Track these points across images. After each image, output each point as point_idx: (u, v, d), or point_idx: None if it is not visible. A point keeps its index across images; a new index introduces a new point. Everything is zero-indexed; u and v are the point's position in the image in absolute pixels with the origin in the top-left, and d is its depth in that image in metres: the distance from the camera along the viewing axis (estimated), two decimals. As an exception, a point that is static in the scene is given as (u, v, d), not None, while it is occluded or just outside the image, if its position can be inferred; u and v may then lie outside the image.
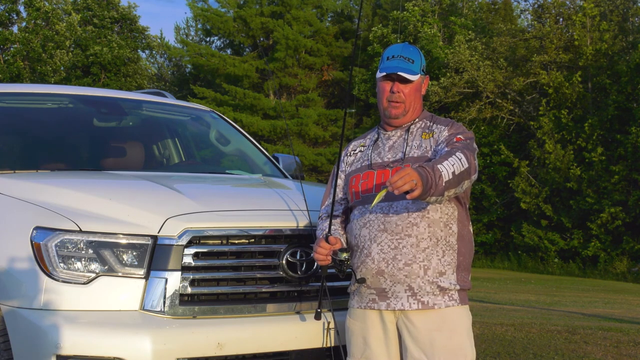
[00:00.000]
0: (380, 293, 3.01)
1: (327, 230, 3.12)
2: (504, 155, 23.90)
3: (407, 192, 2.70)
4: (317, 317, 3.17)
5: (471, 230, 3.17)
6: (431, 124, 3.15)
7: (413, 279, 2.96)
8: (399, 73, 3.07)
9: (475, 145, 3.06)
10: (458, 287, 3.01)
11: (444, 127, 3.10)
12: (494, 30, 26.74)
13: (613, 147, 22.37)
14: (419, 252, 2.97)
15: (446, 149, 2.98)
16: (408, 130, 3.14)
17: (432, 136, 3.09)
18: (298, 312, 3.30)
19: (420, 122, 3.17)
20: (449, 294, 2.99)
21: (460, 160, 2.86)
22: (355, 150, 3.27)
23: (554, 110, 23.22)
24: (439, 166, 2.79)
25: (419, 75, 3.13)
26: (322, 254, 3.05)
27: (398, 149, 3.12)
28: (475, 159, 2.98)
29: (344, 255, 2.98)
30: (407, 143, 3.10)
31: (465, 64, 24.51)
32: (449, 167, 2.82)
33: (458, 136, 3.03)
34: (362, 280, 3.01)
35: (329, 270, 3.19)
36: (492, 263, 23.69)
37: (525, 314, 9.34)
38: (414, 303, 2.97)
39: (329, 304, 3.24)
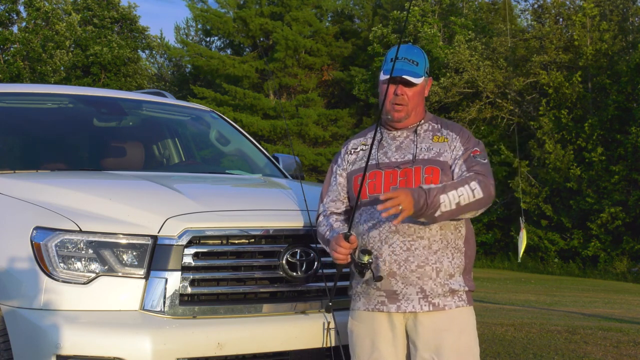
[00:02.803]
0: (390, 295, 2.99)
1: (347, 229, 3.01)
2: (504, 155, 23.90)
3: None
4: (328, 309, 3.15)
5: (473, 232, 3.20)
6: (439, 126, 3.14)
7: (425, 280, 2.96)
8: (403, 76, 3.04)
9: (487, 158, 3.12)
10: (466, 288, 3.04)
11: (455, 136, 3.10)
12: (494, 30, 26.74)
13: (613, 147, 22.37)
14: (431, 254, 2.97)
15: (465, 172, 3.00)
16: (415, 131, 3.12)
17: (446, 142, 3.08)
18: (298, 312, 3.29)
19: (427, 124, 3.15)
20: (459, 295, 3.01)
21: (473, 191, 2.92)
22: (356, 148, 3.22)
23: (554, 110, 23.23)
24: (442, 196, 2.87)
25: (423, 77, 3.12)
26: (342, 253, 2.97)
27: (406, 150, 3.08)
28: (491, 174, 3.06)
29: (367, 259, 2.90)
30: (416, 145, 3.08)
31: (465, 64, 24.51)
32: (454, 198, 2.89)
33: (474, 149, 3.06)
34: (379, 278, 2.95)
35: (332, 270, 3.19)
36: (492, 263, 23.70)
37: (525, 314, 9.34)
38: (425, 305, 2.97)
39: (330, 303, 3.24)
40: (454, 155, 3.06)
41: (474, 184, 2.93)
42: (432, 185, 2.91)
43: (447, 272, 2.98)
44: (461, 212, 2.93)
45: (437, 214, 2.87)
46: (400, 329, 3.03)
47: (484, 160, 3.06)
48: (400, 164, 3.06)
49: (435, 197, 2.85)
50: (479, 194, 2.93)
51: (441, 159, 3.04)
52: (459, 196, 2.89)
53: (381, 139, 3.15)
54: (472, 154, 3.04)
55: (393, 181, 3.02)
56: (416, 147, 3.07)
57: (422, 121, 3.15)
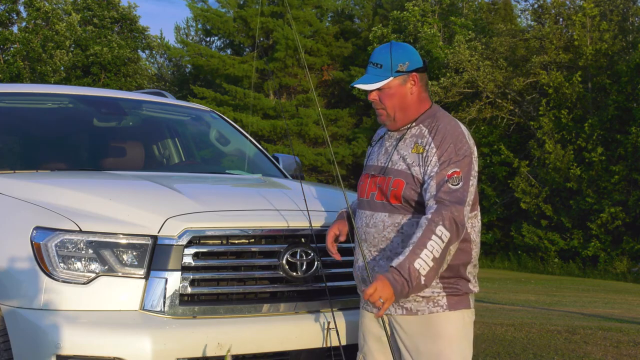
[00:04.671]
0: None
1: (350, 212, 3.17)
2: (504, 155, 23.91)
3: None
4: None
5: (472, 237, 2.99)
6: (427, 132, 2.96)
7: None
8: (354, 86, 3.03)
9: (472, 169, 2.89)
10: (444, 293, 2.94)
11: (434, 149, 2.90)
12: (494, 30, 26.74)
13: (613, 147, 22.36)
14: None
15: (432, 201, 2.82)
16: (402, 137, 3.02)
17: (422, 153, 2.92)
18: (298, 312, 3.29)
19: (417, 128, 3.00)
20: (434, 301, 2.93)
21: (441, 238, 2.75)
22: (374, 142, 3.19)
23: (554, 110, 23.22)
24: (416, 263, 2.72)
25: (390, 78, 2.97)
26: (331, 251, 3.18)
27: (389, 155, 3.03)
28: (466, 198, 2.83)
29: None
30: (396, 151, 3.00)
31: (465, 64, 24.51)
32: (428, 256, 2.73)
33: (451, 171, 2.85)
34: None
35: (332, 270, 3.30)
36: (492, 263, 23.69)
37: (525, 314, 9.34)
38: (398, 309, 2.97)
39: (330, 303, 3.24)
40: (428, 170, 2.89)
41: (439, 229, 2.75)
42: (401, 258, 2.75)
43: None
44: (442, 261, 2.77)
45: (422, 281, 2.73)
46: (386, 327, 3.04)
47: (456, 185, 2.83)
48: (380, 170, 3.04)
49: (410, 268, 2.72)
50: (446, 236, 2.75)
51: (411, 171, 2.93)
52: (432, 251, 2.73)
53: (384, 135, 3.14)
54: (446, 177, 2.84)
55: (373, 187, 3.03)
56: (394, 154, 3.00)
57: (414, 123, 3.01)
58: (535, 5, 25.93)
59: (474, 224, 3.01)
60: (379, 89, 3.00)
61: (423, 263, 2.73)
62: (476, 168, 2.94)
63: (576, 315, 9.64)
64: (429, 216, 2.80)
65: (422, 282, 2.75)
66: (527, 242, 22.61)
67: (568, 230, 22.38)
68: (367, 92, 3.03)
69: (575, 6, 25.01)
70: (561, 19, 25.29)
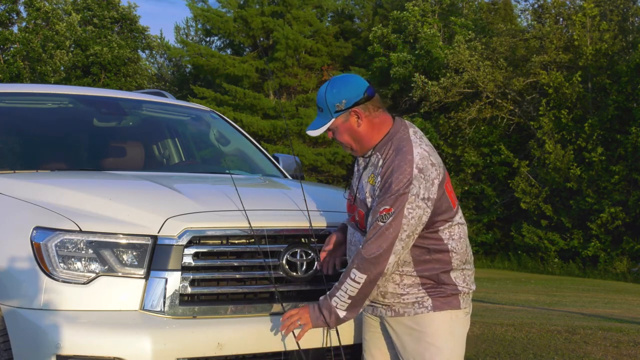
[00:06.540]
0: None
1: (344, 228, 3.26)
2: (504, 155, 23.91)
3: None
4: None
5: (451, 246, 3.00)
6: (382, 162, 2.96)
7: (376, 298, 3.05)
8: (307, 133, 3.11)
9: (408, 203, 2.83)
10: (428, 296, 2.99)
11: (379, 181, 2.92)
12: (494, 30, 26.75)
13: (613, 147, 22.38)
14: None
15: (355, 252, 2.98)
16: (366, 164, 3.06)
17: (374, 184, 2.98)
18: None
19: (375, 156, 3.01)
20: (419, 302, 3.00)
21: (354, 279, 2.90)
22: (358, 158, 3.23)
23: (554, 110, 23.23)
24: (333, 299, 2.95)
25: (332, 120, 2.99)
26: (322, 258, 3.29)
27: (357, 181, 3.11)
28: (395, 234, 2.84)
29: None
30: (361, 178, 3.07)
31: (465, 64, 24.52)
32: (343, 295, 2.94)
33: (382, 208, 2.87)
34: None
35: (331, 273, 3.31)
36: (492, 263, 23.70)
37: (525, 314, 9.34)
38: (388, 311, 3.07)
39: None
40: (374, 203, 2.95)
41: (353, 272, 2.91)
42: (328, 292, 3.01)
43: (396, 293, 3.00)
44: (365, 296, 2.93)
45: (342, 315, 2.95)
46: (381, 327, 3.15)
47: (384, 222, 2.85)
48: (353, 193, 3.14)
49: (328, 303, 2.96)
50: (360, 278, 2.89)
51: (366, 203, 3.00)
52: (346, 291, 2.92)
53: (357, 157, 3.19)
54: (378, 213, 2.88)
55: (350, 210, 3.17)
56: (359, 182, 3.08)
57: (372, 152, 3.03)
58: (535, 5, 25.96)
59: (452, 233, 3.00)
60: (329, 129, 3.05)
61: (339, 300, 2.95)
62: (425, 193, 2.85)
63: (576, 315, 9.65)
64: (351, 258, 3.00)
65: (342, 316, 2.96)
66: (527, 242, 22.62)
67: (568, 230, 22.39)
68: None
69: (575, 6, 25.04)
70: (561, 19, 25.30)
